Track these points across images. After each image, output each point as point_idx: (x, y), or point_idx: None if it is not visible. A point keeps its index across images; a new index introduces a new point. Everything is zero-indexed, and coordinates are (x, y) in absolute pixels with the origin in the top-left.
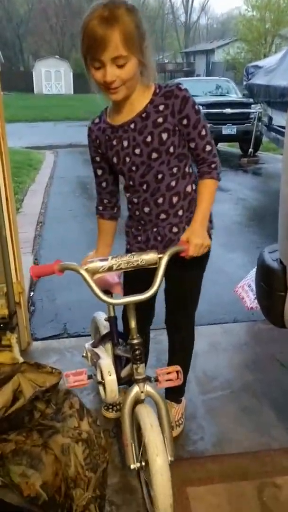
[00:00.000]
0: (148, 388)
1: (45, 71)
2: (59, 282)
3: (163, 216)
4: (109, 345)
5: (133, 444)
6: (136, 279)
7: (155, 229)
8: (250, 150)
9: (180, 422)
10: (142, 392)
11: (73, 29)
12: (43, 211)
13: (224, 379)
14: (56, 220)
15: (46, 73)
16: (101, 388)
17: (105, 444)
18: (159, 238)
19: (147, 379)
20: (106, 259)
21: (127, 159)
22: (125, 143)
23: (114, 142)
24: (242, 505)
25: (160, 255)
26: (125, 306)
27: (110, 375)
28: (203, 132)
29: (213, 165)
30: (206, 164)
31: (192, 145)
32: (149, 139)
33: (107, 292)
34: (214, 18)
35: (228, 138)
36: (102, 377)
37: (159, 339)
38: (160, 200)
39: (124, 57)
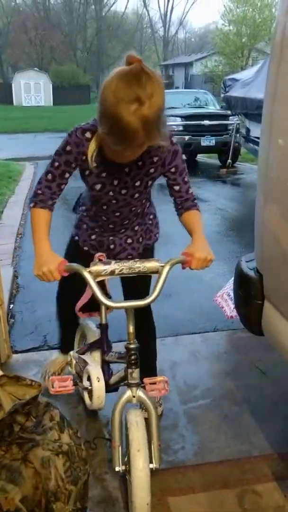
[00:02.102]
0: (140, 393)
1: (24, 83)
2: (39, 293)
3: (122, 230)
4: (97, 353)
5: (120, 447)
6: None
7: (111, 238)
8: (229, 161)
9: (160, 403)
10: (134, 396)
11: (52, 42)
12: (23, 223)
13: (204, 388)
14: None
15: (25, 85)
16: (86, 394)
17: (86, 456)
18: (112, 246)
19: (139, 384)
20: (109, 263)
21: (111, 193)
22: (115, 182)
23: (103, 174)
24: None
25: (162, 264)
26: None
27: (98, 381)
28: (186, 179)
29: (195, 201)
30: (190, 201)
31: (177, 188)
32: (138, 183)
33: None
34: (192, 32)
35: (207, 150)
36: (90, 383)
37: None
38: (126, 222)
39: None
